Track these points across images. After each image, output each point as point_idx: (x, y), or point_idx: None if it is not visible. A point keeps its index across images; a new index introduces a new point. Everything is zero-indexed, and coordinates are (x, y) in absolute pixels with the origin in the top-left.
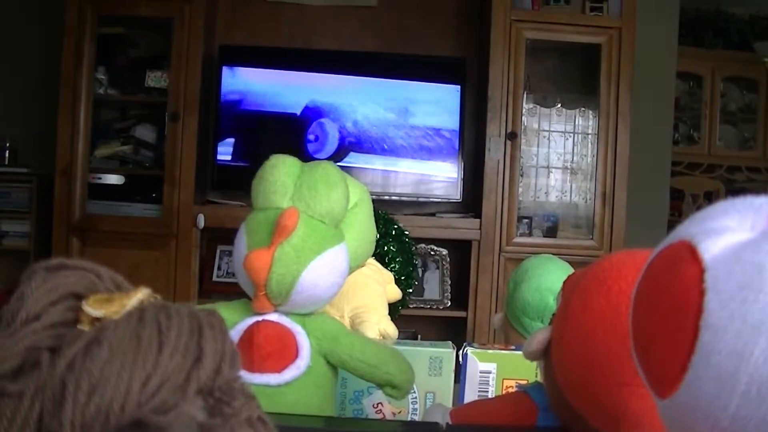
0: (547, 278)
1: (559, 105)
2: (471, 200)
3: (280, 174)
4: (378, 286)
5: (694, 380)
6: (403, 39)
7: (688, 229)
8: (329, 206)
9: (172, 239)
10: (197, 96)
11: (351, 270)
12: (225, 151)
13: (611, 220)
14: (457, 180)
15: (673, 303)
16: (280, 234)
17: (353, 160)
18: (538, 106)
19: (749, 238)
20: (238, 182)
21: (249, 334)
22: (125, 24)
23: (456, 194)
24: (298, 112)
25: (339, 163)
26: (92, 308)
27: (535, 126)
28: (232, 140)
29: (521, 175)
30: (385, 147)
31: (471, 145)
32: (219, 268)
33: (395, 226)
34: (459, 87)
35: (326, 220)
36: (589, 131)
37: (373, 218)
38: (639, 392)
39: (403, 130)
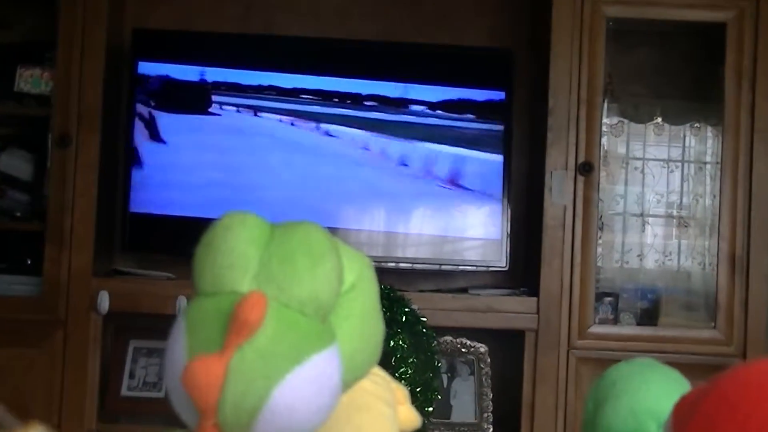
0: (647, 395)
1: (659, 119)
2: (523, 268)
3: (239, 240)
4: (385, 408)
5: None
6: (415, 21)
7: None
8: (313, 290)
9: (58, 330)
10: (98, 107)
11: (346, 385)
12: (142, 194)
13: (745, 297)
14: (502, 237)
15: None
16: (238, 332)
17: (343, 210)
18: (626, 121)
19: None
20: (163, 242)
21: None
22: None
23: (500, 259)
24: (260, 135)
25: (323, 217)
26: None
27: (622, 152)
28: (153, 177)
29: (601, 229)
30: (391, 189)
31: (522, 182)
32: (132, 376)
33: (406, 310)
34: (503, 93)
35: (308, 310)
36: (707, 158)
37: (378, 306)
38: None
39: (417, 161)
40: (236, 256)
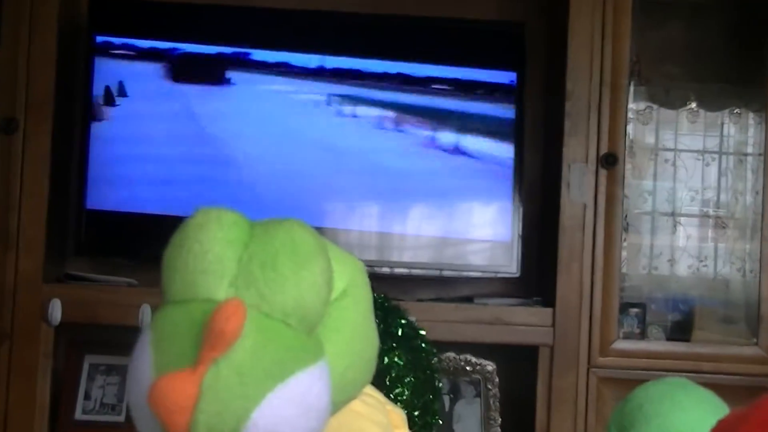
0: (679, 420)
1: (694, 104)
2: (536, 275)
3: (214, 241)
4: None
5: None
6: None
7: None
8: (298, 297)
9: (3, 343)
10: (50, 89)
11: (335, 407)
12: (101, 188)
13: None
14: (512, 239)
15: None
16: (213, 346)
17: (331, 209)
18: (656, 107)
19: None
20: (124, 243)
21: None
22: None
23: (510, 264)
24: (235, 121)
25: (308, 215)
26: None
27: (651, 141)
28: (114, 169)
29: (626, 230)
30: (385, 184)
31: (535, 176)
32: (87, 397)
33: (403, 322)
34: (514, 74)
35: (293, 320)
36: (749, 149)
37: (372, 317)
38: None
39: (414, 154)
40: (211, 258)
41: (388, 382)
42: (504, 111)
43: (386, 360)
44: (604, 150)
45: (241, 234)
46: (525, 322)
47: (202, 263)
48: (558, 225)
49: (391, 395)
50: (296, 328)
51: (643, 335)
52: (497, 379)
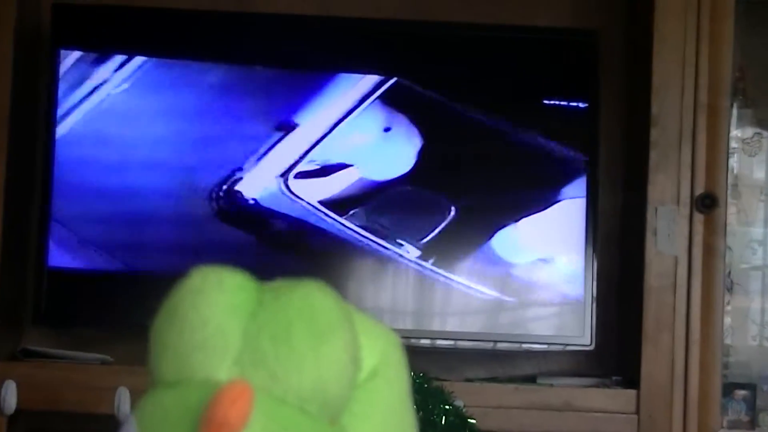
0: None
1: None
2: (615, 347)
3: (215, 309)
4: None
5: None
6: None
7: None
8: (318, 378)
9: None
10: (5, 111)
11: None
12: (67, 240)
13: None
14: (585, 302)
15: None
16: None
17: (356, 263)
18: (766, 134)
19: None
20: (96, 310)
21: None
22: None
23: (582, 334)
24: (227, 147)
25: (332, 276)
26: None
27: (760, 177)
28: (84, 214)
29: (729, 290)
30: (423, 233)
31: (613, 223)
32: None
33: (447, 407)
34: (586, 95)
35: (312, 407)
36: None
37: (409, 401)
38: None
39: (462, 192)
40: (210, 330)
41: None
42: (573, 141)
43: None
44: (699, 189)
45: (248, 300)
46: (602, 407)
47: (199, 336)
48: (642, 284)
49: None
50: (315, 416)
51: (752, 424)
52: None
